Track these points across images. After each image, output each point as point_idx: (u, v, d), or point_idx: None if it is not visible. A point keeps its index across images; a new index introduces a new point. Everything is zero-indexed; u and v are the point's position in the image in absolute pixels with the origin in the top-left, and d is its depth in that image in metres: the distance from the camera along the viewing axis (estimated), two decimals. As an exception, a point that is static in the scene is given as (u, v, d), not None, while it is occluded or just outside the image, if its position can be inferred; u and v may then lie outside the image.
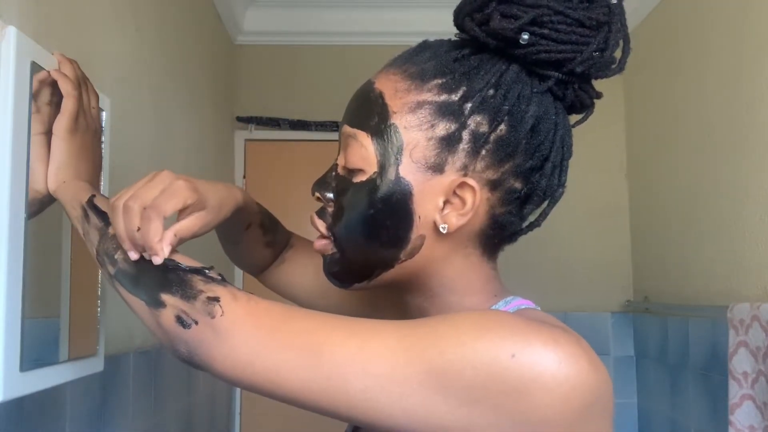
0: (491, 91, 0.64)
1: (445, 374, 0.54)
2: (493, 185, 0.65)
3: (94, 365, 0.99)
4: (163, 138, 1.86)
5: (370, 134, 0.65)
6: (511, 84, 0.64)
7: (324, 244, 0.71)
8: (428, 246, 0.66)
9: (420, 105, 0.64)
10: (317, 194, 0.71)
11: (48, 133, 0.82)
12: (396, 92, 0.65)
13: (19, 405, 1.02)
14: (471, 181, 0.64)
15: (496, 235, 0.70)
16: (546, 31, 0.63)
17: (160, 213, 0.65)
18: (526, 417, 0.54)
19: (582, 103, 0.73)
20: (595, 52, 0.67)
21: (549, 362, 0.54)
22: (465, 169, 0.64)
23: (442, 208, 0.65)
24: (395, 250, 0.67)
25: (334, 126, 2.93)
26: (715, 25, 2.15)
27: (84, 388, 1.25)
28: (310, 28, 3.01)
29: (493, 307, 0.68)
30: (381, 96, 0.66)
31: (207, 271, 0.65)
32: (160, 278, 0.65)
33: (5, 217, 0.78)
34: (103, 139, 1.02)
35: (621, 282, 2.94)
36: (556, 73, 0.65)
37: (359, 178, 0.66)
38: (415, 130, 0.64)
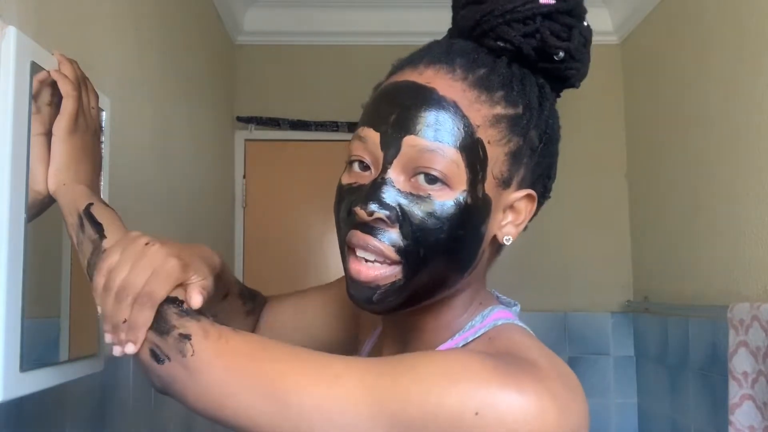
0: (538, 107, 0.65)
1: (410, 427, 0.54)
2: (537, 197, 0.67)
3: (94, 365, 0.99)
4: (163, 138, 1.86)
5: (457, 149, 0.60)
6: (550, 98, 0.67)
7: (384, 272, 0.62)
8: (483, 258, 0.66)
9: (498, 119, 0.62)
10: (378, 214, 0.60)
11: (48, 134, 0.82)
12: (470, 102, 0.62)
13: (19, 405, 1.02)
14: (533, 192, 0.65)
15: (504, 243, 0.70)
16: (574, 52, 0.66)
17: (155, 302, 0.62)
18: None
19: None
20: (585, 73, 0.70)
21: (515, 421, 0.53)
22: (523, 182, 0.64)
23: (502, 222, 0.65)
24: (466, 269, 0.64)
25: (334, 126, 2.93)
26: (715, 25, 2.15)
27: (84, 388, 1.25)
28: (310, 28, 3.01)
29: (469, 324, 0.67)
30: (456, 106, 0.61)
31: (182, 302, 0.64)
32: None
33: (5, 217, 0.77)
34: (103, 139, 1.02)
35: (621, 282, 2.94)
36: (565, 88, 0.68)
37: (441, 196, 0.60)
38: (495, 145, 0.62)
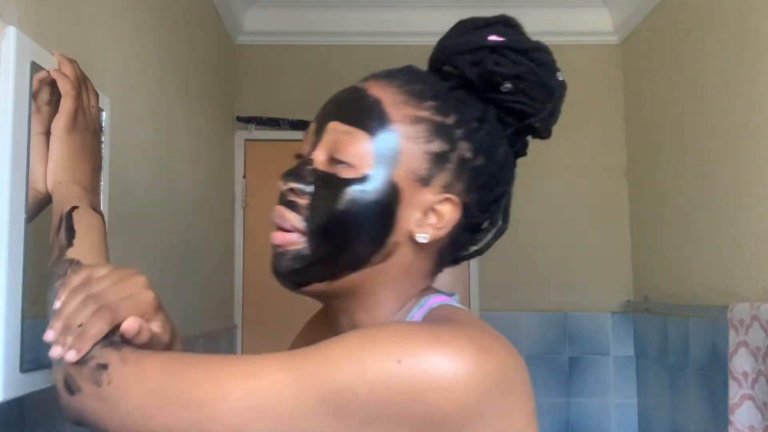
0: (476, 124, 0.70)
1: (341, 397, 0.55)
2: (462, 208, 0.69)
3: (94, 365, 0.99)
4: (163, 138, 1.86)
5: (369, 134, 0.67)
6: (492, 123, 0.71)
7: (292, 238, 0.67)
8: (399, 253, 0.69)
9: (419, 120, 0.68)
10: (292, 185, 0.67)
11: (48, 133, 0.82)
12: (394, 103, 0.68)
13: (19, 405, 1.02)
14: (455, 199, 0.68)
15: (450, 254, 0.73)
16: (523, 87, 0.70)
17: (115, 320, 0.63)
18: (428, 419, 0.55)
19: (518, 155, 0.77)
20: (549, 114, 0.73)
21: (435, 362, 0.55)
22: (447, 188, 0.68)
23: (419, 220, 0.68)
24: (371, 252, 0.68)
25: (334, 126, 2.93)
26: (715, 26, 2.15)
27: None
28: (310, 28, 3.01)
29: (408, 317, 0.70)
30: (379, 102, 0.68)
31: (111, 333, 0.63)
32: None
33: (5, 217, 0.77)
34: (102, 138, 1.02)
35: (621, 282, 2.94)
36: (518, 123, 0.73)
37: (348, 174, 0.66)
38: (412, 141, 0.67)
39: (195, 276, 2.20)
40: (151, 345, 0.66)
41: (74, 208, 0.76)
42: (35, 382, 0.84)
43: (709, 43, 2.19)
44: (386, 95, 0.69)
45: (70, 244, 0.72)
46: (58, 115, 0.81)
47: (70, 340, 0.62)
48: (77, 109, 0.83)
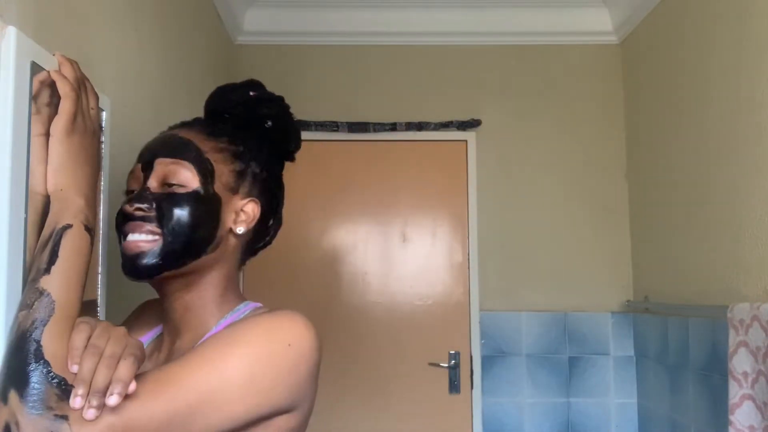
0: (259, 150, 0.98)
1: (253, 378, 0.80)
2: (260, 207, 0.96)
3: (94, 365, 0.99)
4: (163, 138, 1.86)
5: (192, 163, 0.90)
6: (269, 149, 1.00)
7: (152, 241, 0.87)
8: (224, 244, 0.93)
9: (222, 150, 0.94)
10: (137, 206, 0.87)
11: (48, 135, 0.82)
12: (201, 140, 0.93)
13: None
14: (256, 200, 0.96)
15: (253, 242, 1.00)
16: (280, 123, 1.02)
17: (136, 366, 0.74)
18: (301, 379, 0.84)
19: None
20: (295, 146, 1.07)
21: (309, 338, 0.84)
22: (249, 194, 0.96)
23: (235, 219, 0.94)
24: (207, 244, 0.90)
25: (334, 126, 2.94)
26: (715, 25, 2.15)
27: (84, 388, 1.25)
28: (310, 28, 3.01)
29: (236, 308, 0.94)
30: (191, 141, 0.93)
31: (65, 384, 0.69)
32: (21, 370, 0.69)
33: (5, 217, 0.77)
34: (102, 139, 1.02)
35: (621, 282, 2.94)
36: (275, 151, 1.02)
37: (183, 191, 0.89)
38: (221, 163, 0.93)
39: (195, 276, 2.20)
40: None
41: (67, 226, 0.78)
42: (35, 382, 0.84)
43: (709, 43, 2.19)
44: (193, 137, 0.93)
45: (47, 270, 0.75)
46: (57, 116, 0.82)
47: (95, 401, 0.68)
48: (76, 111, 0.83)
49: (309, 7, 2.99)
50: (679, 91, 2.42)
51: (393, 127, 2.95)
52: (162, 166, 0.90)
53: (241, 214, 0.94)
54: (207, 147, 0.93)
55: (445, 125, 2.98)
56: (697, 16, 2.29)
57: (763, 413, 1.67)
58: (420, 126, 2.96)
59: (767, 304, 1.67)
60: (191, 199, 0.89)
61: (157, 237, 0.87)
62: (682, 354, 2.38)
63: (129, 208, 0.88)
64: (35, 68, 0.84)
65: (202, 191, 0.90)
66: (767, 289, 1.85)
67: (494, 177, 3.00)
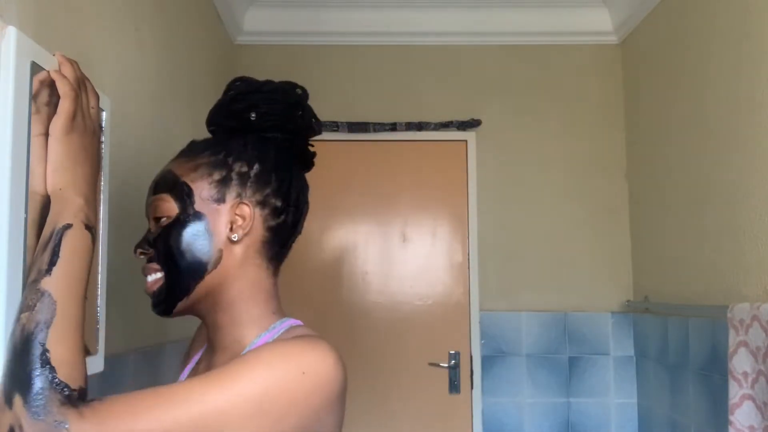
0: (242, 148, 0.95)
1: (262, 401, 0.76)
2: (261, 204, 0.93)
3: (94, 365, 0.99)
4: (163, 138, 1.86)
5: (169, 192, 0.92)
6: (255, 142, 0.96)
7: (158, 280, 0.90)
8: (226, 256, 0.91)
9: (198, 166, 0.93)
10: (140, 251, 0.92)
11: (48, 134, 0.82)
12: (180, 166, 0.94)
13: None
14: (245, 201, 0.92)
15: (274, 241, 0.95)
16: (265, 110, 0.97)
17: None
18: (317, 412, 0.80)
19: (306, 156, 1.05)
20: (300, 118, 1.00)
21: (326, 368, 0.80)
22: (239, 197, 0.92)
23: (231, 227, 0.91)
24: (204, 263, 0.90)
25: (334, 126, 2.94)
26: (715, 26, 2.15)
27: (84, 388, 1.25)
28: (310, 28, 3.01)
29: (272, 326, 0.92)
30: (172, 172, 0.94)
31: (68, 390, 0.70)
32: (26, 375, 0.69)
33: (5, 217, 0.77)
34: (102, 139, 1.02)
35: (621, 282, 2.94)
36: (278, 134, 0.98)
37: (167, 222, 0.91)
38: (198, 180, 0.92)
39: (195, 276, 2.20)
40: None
41: (67, 226, 0.77)
42: (35, 382, 0.84)
43: (709, 43, 2.19)
44: (176, 166, 0.94)
45: (48, 271, 0.75)
46: (56, 116, 0.81)
47: None
48: (76, 110, 0.83)
49: (309, 7, 3.00)
50: (679, 91, 2.42)
51: (393, 127, 2.95)
52: (151, 207, 0.94)
53: (237, 219, 0.92)
54: (182, 170, 0.93)
55: (445, 125, 2.98)
56: (697, 16, 2.29)
57: (763, 413, 1.67)
58: (420, 126, 2.96)
59: (767, 304, 1.67)
60: (174, 226, 0.90)
61: (160, 275, 0.91)
62: (682, 354, 2.38)
63: (137, 255, 0.93)
64: (35, 68, 0.84)
65: (181, 215, 0.91)
66: (767, 289, 1.85)
67: (494, 177, 3.00)
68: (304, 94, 1.03)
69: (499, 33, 3.04)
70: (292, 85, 1.02)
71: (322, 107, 2.96)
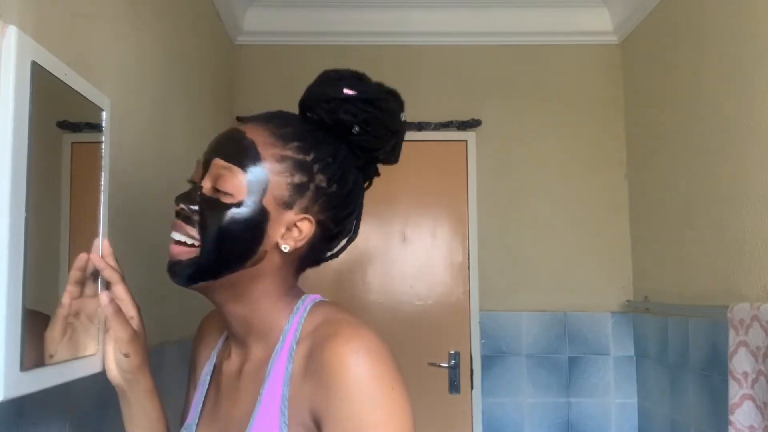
0: (330, 160, 0.89)
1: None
2: (319, 224, 0.90)
3: (94, 365, 0.99)
4: (163, 138, 1.86)
5: (243, 170, 0.85)
6: (343, 158, 0.91)
7: (186, 249, 0.86)
8: (267, 259, 0.89)
9: (284, 158, 0.87)
10: (182, 206, 0.87)
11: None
12: (265, 144, 0.87)
13: (19, 405, 1.02)
14: (312, 218, 0.89)
15: (309, 259, 0.94)
16: (369, 129, 0.91)
17: None
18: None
19: (370, 176, 0.99)
20: (391, 148, 0.95)
21: (390, 362, 0.80)
22: (306, 210, 0.88)
23: (284, 234, 0.88)
24: (245, 258, 0.87)
25: (334, 126, 2.93)
26: (715, 26, 2.15)
27: (84, 388, 1.25)
28: (309, 28, 3.01)
29: (295, 308, 0.91)
30: (253, 143, 0.87)
31: None
32: None
33: (5, 217, 0.77)
34: (103, 139, 1.02)
35: (621, 282, 2.94)
36: (366, 156, 0.94)
37: (228, 200, 0.85)
38: (278, 175, 0.87)
39: (195, 276, 2.19)
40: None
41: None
42: (35, 382, 0.84)
43: (709, 43, 2.19)
44: (259, 137, 0.87)
45: None
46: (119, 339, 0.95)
47: None
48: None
49: (309, 7, 2.99)
50: (679, 91, 2.42)
51: (393, 127, 2.95)
52: (216, 168, 0.87)
53: (294, 230, 0.88)
54: (268, 153, 0.87)
55: (445, 125, 2.98)
56: (696, 15, 2.29)
57: (763, 413, 1.67)
58: (420, 126, 2.96)
59: (767, 304, 1.67)
60: (233, 210, 0.85)
61: (194, 244, 0.86)
62: (682, 354, 2.38)
63: (177, 207, 0.88)
64: (35, 68, 0.84)
65: (248, 204, 0.85)
66: (767, 289, 1.85)
67: (494, 177, 3.00)
68: (405, 125, 0.98)
69: (499, 33, 3.04)
70: (398, 108, 0.95)
71: (322, 107, 2.98)
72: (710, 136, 2.18)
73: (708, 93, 2.20)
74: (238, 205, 0.85)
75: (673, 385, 2.48)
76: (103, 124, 1.02)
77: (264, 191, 0.86)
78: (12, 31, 0.81)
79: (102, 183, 1.02)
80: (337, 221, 0.92)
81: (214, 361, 1.01)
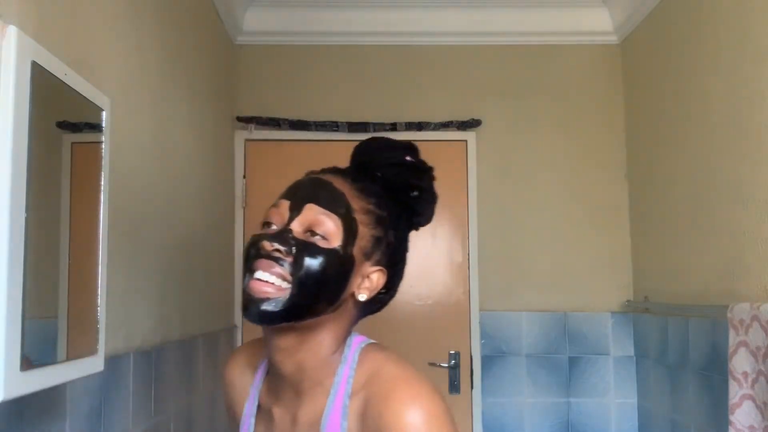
0: (398, 219, 0.97)
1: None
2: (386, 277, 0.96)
3: (94, 365, 0.99)
4: (163, 138, 1.86)
5: (341, 219, 0.90)
6: (407, 219, 0.99)
7: (279, 289, 0.86)
8: (344, 307, 0.92)
9: (368, 211, 0.93)
10: (277, 247, 0.86)
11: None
12: (352, 196, 0.93)
13: (19, 405, 1.02)
14: (384, 270, 0.94)
15: (367, 310, 0.98)
16: (424, 195, 1.00)
17: None
18: None
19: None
20: (431, 212, 1.03)
21: (444, 411, 0.85)
22: (379, 262, 0.94)
23: (360, 284, 0.92)
24: (330, 304, 0.90)
25: (334, 126, 2.94)
26: (716, 26, 2.15)
27: (84, 388, 1.25)
28: (309, 28, 3.01)
29: (342, 357, 0.93)
30: (343, 195, 0.92)
31: None
32: None
33: (5, 217, 0.77)
34: (103, 139, 1.02)
35: (621, 282, 2.94)
36: (414, 218, 1.01)
37: (324, 244, 0.88)
38: (365, 226, 0.92)
39: (195, 276, 2.20)
40: None
41: None
42: (35, 382, 0.84)
43: (709, 43, 2.19)
44: (346, 189, 0.93)
45: None
46: None
47: None
48: None
49: (309, 7, 2.99)
50: (680, 90, 2.42)
51: (393, 127, 2.95)
52: (311, 212, 0.90)
53: (366, 281, 0.93)
54: (357, 205, 0.92)
55: (445, 125, 2.98)
56: (697, 15, 2.29)
57: (763, 413, 1.67)
58: (420, 126, 2.96)
59: (767, 304, 1.67)
60: (330, 255, 0.88)
61: (286, 285, 0.86)
62: (682, 354, 2.38)
63: (268, 247, 0.87)
64: (35, 68, 0.84)
65: (341, 250, 0.89)
66: (767, 289, 1.85)
67: (494, 177, 3.00)
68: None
69: (499, 33, 3.04)
70: (431, 183, 1.03)
71: (322, 107, 2.98)
72: (710, 136, 2.18)
73: (708, 93, 2.20)
74: (334, 251, 0.88)
75: (673, 385, 2.48)
76: (103, 124, 1.02)
77: (354, 240, 0.90)
78: (12, 31, 0.81)
79: (102, 183, 1.02)
80: (395, 276, 0.98)
81: (256, 401, 1.01)
